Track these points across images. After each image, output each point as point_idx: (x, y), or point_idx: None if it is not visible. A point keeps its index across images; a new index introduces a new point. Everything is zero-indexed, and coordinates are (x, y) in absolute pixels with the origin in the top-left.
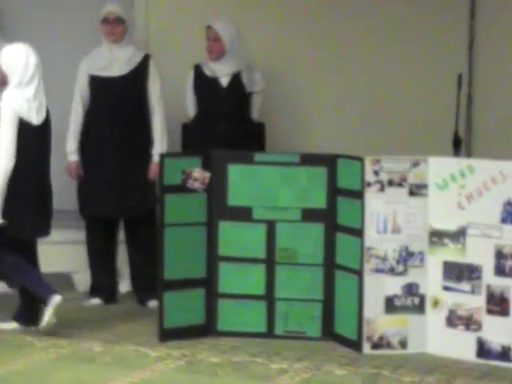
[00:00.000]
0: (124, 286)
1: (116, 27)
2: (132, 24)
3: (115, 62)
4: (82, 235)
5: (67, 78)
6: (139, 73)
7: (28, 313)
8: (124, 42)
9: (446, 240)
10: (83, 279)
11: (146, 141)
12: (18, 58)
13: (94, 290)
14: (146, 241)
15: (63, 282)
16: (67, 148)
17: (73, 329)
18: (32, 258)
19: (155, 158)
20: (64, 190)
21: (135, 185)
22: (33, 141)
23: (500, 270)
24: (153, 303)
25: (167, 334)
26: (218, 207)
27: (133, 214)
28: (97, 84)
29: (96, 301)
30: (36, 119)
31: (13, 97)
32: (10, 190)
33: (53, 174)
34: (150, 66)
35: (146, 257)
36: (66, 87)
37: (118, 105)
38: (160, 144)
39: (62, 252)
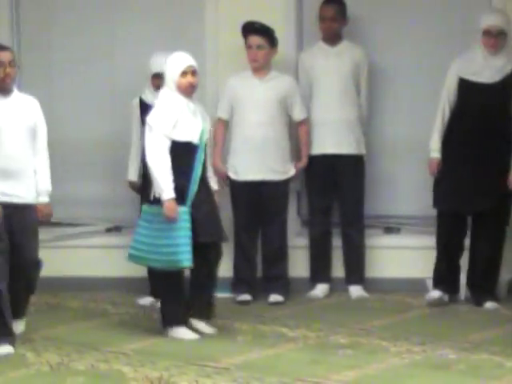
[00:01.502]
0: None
1: (498, 41)
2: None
3: (487, 68)
4: (432, 241)
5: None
6: (508, 82)
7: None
8: (499, 51)
9: None
10: None
11: (505, 150)
12: None
13: (438, 284)
14: (490, 239)
15: (416, 287)
16: (431, 145)
17: (426, 335)
18: None
19: None
20: (421, 198)
21: (488, 188)
22: None
23: None
24: (490, 305)
25: None
26: None
27: (479, 209)
28: (465, 87)
29: (436, 294)
30: None
31: None
32: None
33: (409, 179)
34: None
35: (489, 257)
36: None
37: (483, 110)
38: None
39: (414, 257)
